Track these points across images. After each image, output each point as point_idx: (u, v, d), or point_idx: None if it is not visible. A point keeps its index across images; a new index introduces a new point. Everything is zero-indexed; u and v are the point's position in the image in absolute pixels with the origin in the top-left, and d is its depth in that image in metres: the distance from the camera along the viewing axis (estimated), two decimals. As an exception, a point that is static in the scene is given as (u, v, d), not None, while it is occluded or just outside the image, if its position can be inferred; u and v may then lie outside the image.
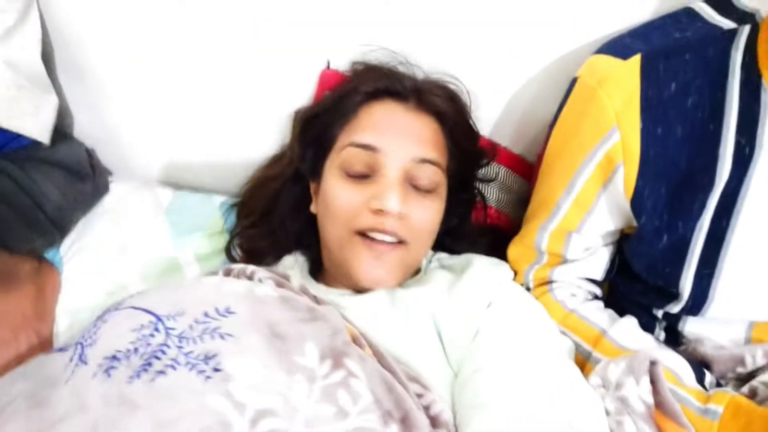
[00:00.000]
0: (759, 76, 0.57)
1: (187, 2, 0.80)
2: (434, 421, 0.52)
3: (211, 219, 0.90)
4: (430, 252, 0.78)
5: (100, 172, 0.87)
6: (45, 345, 0.78)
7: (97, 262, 0.86)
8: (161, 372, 0.46)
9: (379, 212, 0.63)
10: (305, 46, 0.81)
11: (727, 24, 0.61)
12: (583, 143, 0.63)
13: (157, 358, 0.47)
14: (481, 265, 0.69)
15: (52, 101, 0.78)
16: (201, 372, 0.46)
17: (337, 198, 0.65)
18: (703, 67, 0.59)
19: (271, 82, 0.85)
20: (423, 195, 0.66)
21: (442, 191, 0.69)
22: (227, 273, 0.65)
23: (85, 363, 0.49)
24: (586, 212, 0.65)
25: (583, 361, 0.65)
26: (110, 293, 0.83)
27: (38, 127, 0.76)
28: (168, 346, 0.48)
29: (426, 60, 0.77)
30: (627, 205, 0.62)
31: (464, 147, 0.72)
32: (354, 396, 0.46)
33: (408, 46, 0.77)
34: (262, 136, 0.87)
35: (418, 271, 0.74)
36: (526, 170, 0.88)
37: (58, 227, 0.81)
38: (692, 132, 0.59)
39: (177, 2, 0.80)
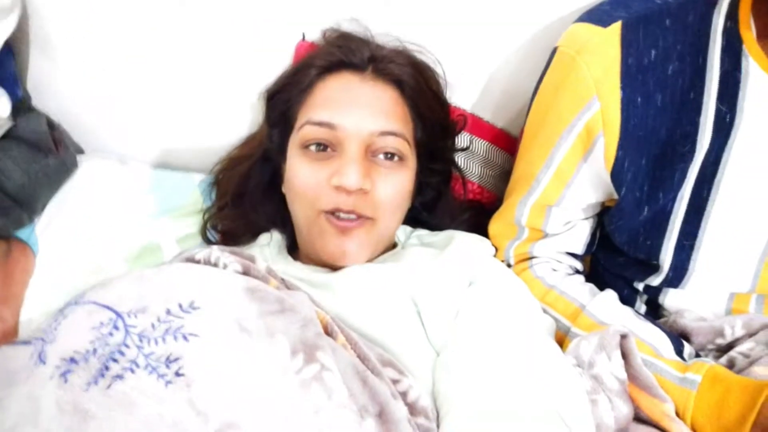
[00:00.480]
0: (740, 42, 0.56)
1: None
2: (412, 409, 0.51)
3: (190, 197, 0.88)
4: (409, 228, 0.77)
5: (65, 146, 0.83)
6: (8, 331, 0.76)
7: (74, 242, 0.84)
8: (118, 376, 0.43)
9: (340, 189, 0.61)
10: (281, 18, 0.79)
11: (709, -11, 0.59)
12: (562, 114, 0.62)
13: (115, 360, 0.44)
14: (462, 241, 0.68)
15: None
16: (162, 376, 0.43)
17: (299, 177, 0.64)
18: (684, 33, 0.57)
19: (247, 58, 0.83)
20: (387, 167, 0.64)
21: (410, 162, 0.67)
22: (190, 258, 0.62)
23: (44, 362, 0.46)
24: (565, 185, 0.64)
25: (563, 337, 0.64)
26: (90, 273, 0.82)
27: None
28: (127, 346, 0.45)
29: (403, 34, 0.74)
30: (607, 177, 0.61)
31: (429, 115, 0.69)
32: (328, 391, 0.45)
33: (384, 20, 0.75)
34: (241, 115, 0.85)
35: (395, 245, 0.73)
36: (510, 144, 0.87)
37: (23, 206, 0.78)
38: (672, 100, 0.57)
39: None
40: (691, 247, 0.59)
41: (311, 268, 0.67)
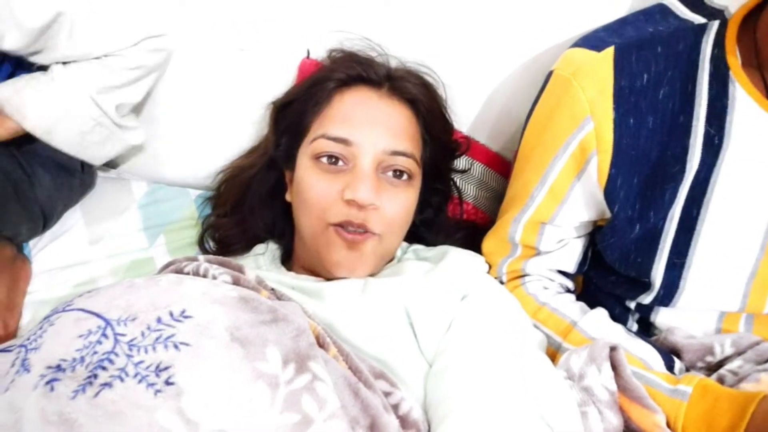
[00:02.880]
0: (727, 68, 0.59)
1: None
2: (403, 421, 0.51)
3: (185, 212, 0.89)
4: (405, 243, 0.77)
5: (87, 169, 0.85)
6: (9, 338, 0.75)
7: (67, 255, 0.84)
8: (107, 384, 0.42)
9: (351, 203, 0.62)
10: (285, 36, 0.81)
11: (697, 19, 0.62)
12: (557, 134, 0.63)
13: (104, 368, 0.43)
14: (456, 256, 0.69)
15: (127, 140, 0.79)
16: (151, 385, 0.42)
17: (311, 189, 0.65)
18: (675, 60, 0.60)
19: (251, 74, 0.84)
20: (396, 186, 0.65)
21: (416, 181, 0.68)
22: (179, 270, 0.61)
23: (27, 371, 0.45)
24: (559, 202, 0.66)
25: (554, 353, 0.65)
26: (78, 286, 0.82)
27: (94, 157, 0.77)
28: (116, 354, 0.44)
29: (403, 55, 0.77)
30: (600, 195, 0.62)
31: (438, 136, 0.71)
32: (320, 401, 0.44)
33: (386, 41, 0.78)
34: (243, 130, 0.86)
35: (391, 260, 0.74)
36: (504, 168, 0.88)
37: (46, 215, 0.80)
38: (663, 123, 0.60)
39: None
40: (682, 266, 0.61)
41: (305, 278, 0.67)
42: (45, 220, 0.81)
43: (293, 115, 0.71)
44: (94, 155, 0.77)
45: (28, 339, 0.50)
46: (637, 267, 0.63)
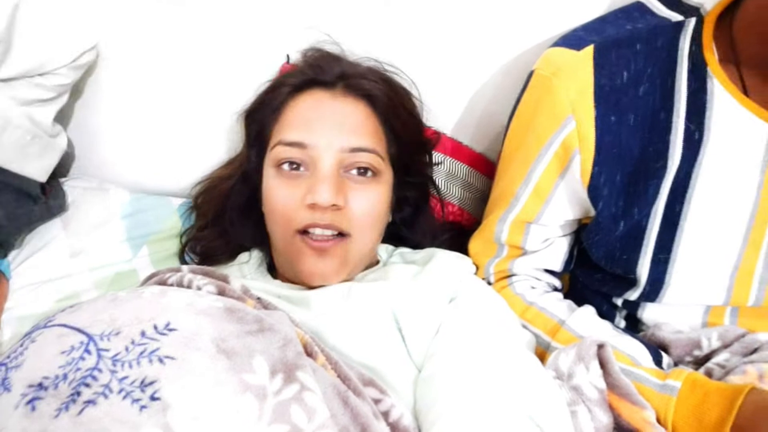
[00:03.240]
0: (705, 65, 0.59)
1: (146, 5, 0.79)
2: (394, 428, 0.50)
3: (168, 222, 0.87)
4: (392, 247, 0.77)
5: (55, 194, 0.83)
6: (-12, 357, 0.74)
7: (48, 269, 0.83)
8: (90, 401, 0.41)
9: (314, 207, 0.61)
10: (265, 42, 0.81)
11: (674, 17, 0.63)
12: (539, 133, 0.64)
13: (87, 385, 0.42)
14: (443, 258, 0.69)
15: (60, 146, 0.79)
16: (136, 401, 0.41)
17: (274, 198, 0.64)
18: (654, 57, 0.60)
19: (231, 81, 0.84)
20: (361, 183, 0.65)
21: (385, 177, 0.67)
22: (162, 281, 0.61)
23: (8, 390, 0.44)
24: (544, 202, 0.66)
25: (543, 353, 0.65)
26: (60, 301, 0.80)
27: (38, 169, 0.77)
28: (100, 370, 0.43)
29: (379, 56, 0.76)
30: (584, 193, 0.63)
31: (401, 130, 0.69)
32: (309, 412, 0.43)
33: (365, 43, 0.77)
34: (224, 138, 0.86)
35: (377, 262, 0.73)
36: (488, 168, 0.89)
37: (1, 244, 0.78)
38: (644, 119, 0.60)
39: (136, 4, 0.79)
40: (666, 261, 0.61)
41: (290, 286, 0.67)
42: (3, 247, 0.79)
43: (255, 125, 0.70)
44: (36, 168, 0.76)
45: (9, 357, 0.48)
46: (622, 264, 0.63)
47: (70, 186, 0.89)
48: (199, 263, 0.78)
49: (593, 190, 0.61)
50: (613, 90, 0.60)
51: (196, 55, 0.83)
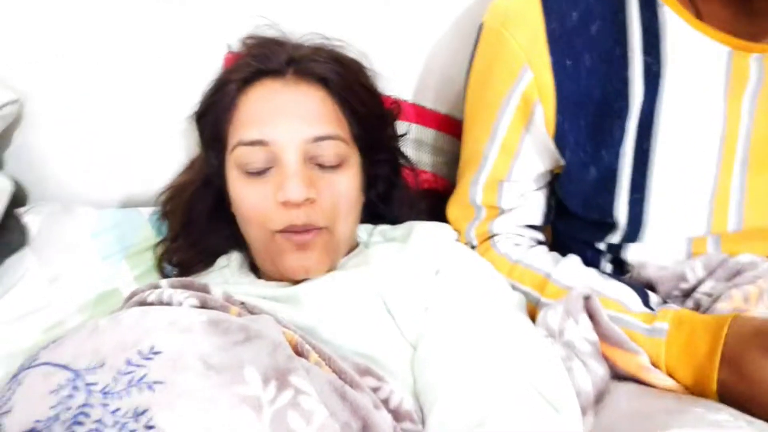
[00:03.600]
0: (654, -8, 0.57)
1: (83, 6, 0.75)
2: (396, 414, 0.50)
3: (141, 233, 0.85)
4: (371, 226, 0.76)
5: (11, 230, 0.81)
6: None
7: (27, 301, 0.81)
8: None
9: (287, 204, 0.60)
10: (204, 35, 0.77)
11: (618, -53, 0.60)
12: (497, 88, 0.62)
13: (80, 423, 0.41)
14: (422, 231, 0.68)
15: (4, 190, 0.77)
16: None
17: (244, 201, 0.62)
18: None
19: (174, 81, 0.80)
20: (330, 171, 0.63)
21: (352, 161, 0.65)
22: (142, 301, 0.59)
23: None
24: (512, 157, 0.64)
25: (534, 309, 0.64)
26: (47, 331, 0.79)
27: None
28: (91, 406, 0.42)
29: (328, 30, 0.73)
30: (551, 143, 0.61)
31: (361, 109, 0.67)
32: (306, 416, 0.43)
33: (307, 19, 0.74)
34: (178, 142, 0.83)
35: (357, 245, 0.72)
36: (456, 129, 0.86)
37: None
38: (600, 59, 0.58)
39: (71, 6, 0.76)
40: (642, 200, 0.60)
41: (275, 284, 0.65)
42: None
43: (209, 127, 0.67)
44: None
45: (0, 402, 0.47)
46: (599, 209, 0.62)
47: (32, 215, 0.87)
48: (178, 274, 0.77)
49: (560, 139, 0.60)
50: (565, 32, 0.58)
51: (134, 54, 0.79)
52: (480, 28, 0.65)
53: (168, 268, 0.78)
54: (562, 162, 0.63)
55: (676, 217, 0.61)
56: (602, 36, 0.58)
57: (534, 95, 0.59)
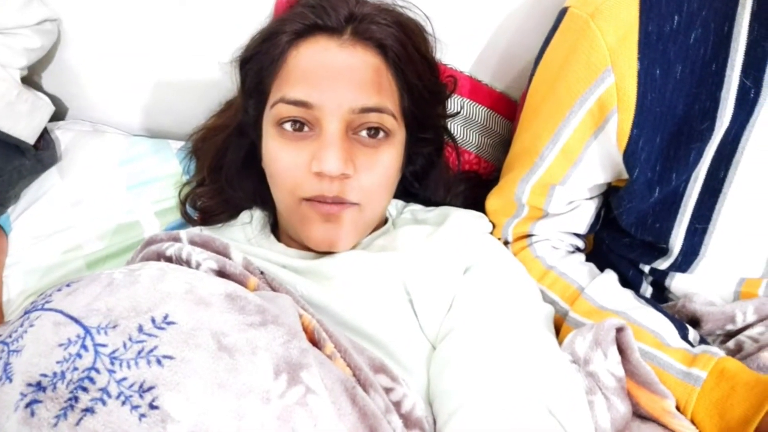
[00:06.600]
0: (774, 7, 0.50)
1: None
2: (406, 420, 0.48)
3: (168, 167, 0.84)
4: (402, 202, 0.72)
5: (45, 145, 0.80)
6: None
7: (49, 220, 0.80)
8: (88, 410, 0.39)
9: (321, 175, 0.56)
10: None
11: (740, -55, 0.53)
12: (572, 86, 0.56)
13: (84, 389, 0.40)
14: (458, 220, 0.64)
15: (46, 106, 0.79)
16: (135, 408, 0.39)
17: (277, 162, 0.59)
18: None
19: (221, 15, 0.75)
20: (372, 146, 0.58)
21: (397, 137, 0.61)
22: (160, 252, 0.57)
23: (10, 380, 0.42)
24: (572, 164, 0.60)
25: (561, 320, 0.62)
26: (66, 252, 0.78)
27: (29, 130, 0.76)
28: (97, 371, 0.41)
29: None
30: (619, 157, 0.56)
31: (416, 82, 0.62)
32: (313, 418, 0.41)
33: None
34: (218, 80, 0.79)
35: (386, 221, 0.69)
36: (510, 110, 0.81)
37: None
38: (693, 72, 0.52)
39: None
40: (704, 231, 0.56)
41: (296, 252, 0.63)
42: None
43: (252, 76, 0.62)
44: (25, 128, 0.75)
45: (10, 336, 0.47)
46: (654, 232, 0.58)
47: (62, 131, 0.85)
48: (200, 219, 0.75)
49: (630, 155, 0.55)
50: (661, 38, 0.52)
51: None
52: (563, 12, 0.59)
53: (190, 210, 0.76)
54: (625, 176, 0.58)
55: (735, 256, 0.57)
56: (700, 47, 0.52)
57: (612, 103, 0.54)
